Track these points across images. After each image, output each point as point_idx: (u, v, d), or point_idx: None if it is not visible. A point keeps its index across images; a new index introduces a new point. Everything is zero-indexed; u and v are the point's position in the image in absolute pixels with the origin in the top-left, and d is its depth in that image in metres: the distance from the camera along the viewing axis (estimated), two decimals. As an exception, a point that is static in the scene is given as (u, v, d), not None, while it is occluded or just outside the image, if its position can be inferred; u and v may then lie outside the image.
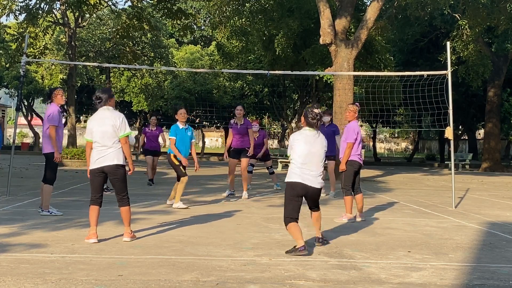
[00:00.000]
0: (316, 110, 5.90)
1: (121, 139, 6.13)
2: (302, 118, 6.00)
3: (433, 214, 9.27)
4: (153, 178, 13.78)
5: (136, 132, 40.50)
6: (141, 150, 14.45)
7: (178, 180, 9.33)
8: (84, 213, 8.25)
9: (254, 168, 12.83)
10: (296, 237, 5.67)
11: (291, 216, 5.71)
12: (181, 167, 9.27)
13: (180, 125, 9.37)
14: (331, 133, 11.30)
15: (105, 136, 6.07)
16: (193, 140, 9.44)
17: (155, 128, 14.04)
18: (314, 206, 6.10)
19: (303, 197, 5.89)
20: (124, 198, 6.22)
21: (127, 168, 6.28)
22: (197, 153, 13.74)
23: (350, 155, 8.20)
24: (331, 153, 11.04)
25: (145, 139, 14.02)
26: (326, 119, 11.34)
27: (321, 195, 7.14)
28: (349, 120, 8.45)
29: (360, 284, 4.57)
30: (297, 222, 5.71)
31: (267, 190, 13.00)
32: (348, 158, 8.20)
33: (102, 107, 6.19)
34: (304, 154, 5.77)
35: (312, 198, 5.96)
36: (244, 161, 11.15)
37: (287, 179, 5.84)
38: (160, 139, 14.07)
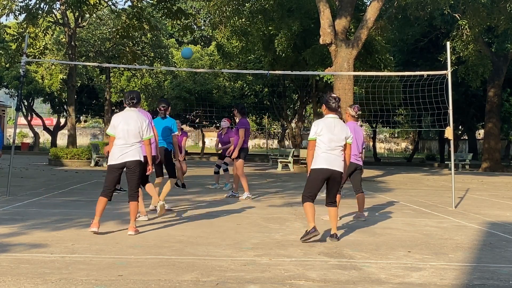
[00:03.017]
0: (333, 94, 6.61)
1: (145, 141, 6.74)
2: (323, 106, 6.57)
3: (433, 214, 9.27)
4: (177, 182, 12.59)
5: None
6: None
7: (171, 176, 9.01)
8: (84, 213, 8.26)
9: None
10: (308, 218, 6.28)
11: (308, 194, 6.33)
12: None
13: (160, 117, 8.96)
14: None
15: (129, 135, 6.61)
16: (175, 133, 8.92)
17: None
18: (333, 196, 6.49)
19: (325, 186, 6.45)
20: (135, 194, 6.71)
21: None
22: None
23: None
24: None
25: None
26: None
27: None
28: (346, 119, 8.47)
29: (360, 284, 4.57)
30: (313, 202, 6.31)
31: (267, 190, 13.01)
32: None
33: (132, 107, 6.74)
34: (328, 140, 6.33)
35: (334, 181, 6.41)
36: (239, 162, 11.13)
37: (313, 166, 6.36)
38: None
